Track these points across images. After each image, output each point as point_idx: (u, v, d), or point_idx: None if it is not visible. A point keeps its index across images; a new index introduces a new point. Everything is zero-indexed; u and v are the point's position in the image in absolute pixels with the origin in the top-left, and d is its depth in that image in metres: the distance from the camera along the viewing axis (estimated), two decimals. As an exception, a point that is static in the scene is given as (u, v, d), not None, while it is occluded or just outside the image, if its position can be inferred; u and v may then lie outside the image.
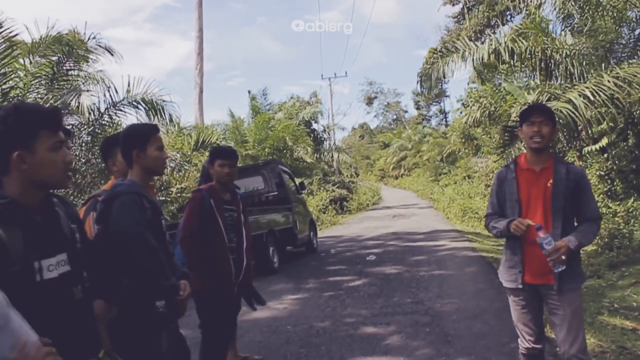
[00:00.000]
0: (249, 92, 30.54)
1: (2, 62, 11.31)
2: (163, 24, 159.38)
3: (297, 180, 15.54)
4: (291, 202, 12.95)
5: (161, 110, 13.29)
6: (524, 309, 3.52)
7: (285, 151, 26.39)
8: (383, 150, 70.99)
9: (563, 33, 13.01)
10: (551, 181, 3.38)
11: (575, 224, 3.45)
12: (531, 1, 13.83)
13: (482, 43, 14.72)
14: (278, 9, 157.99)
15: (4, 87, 11.36)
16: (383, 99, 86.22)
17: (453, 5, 28.55)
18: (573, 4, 11.09)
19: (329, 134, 39.82)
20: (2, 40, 11.22)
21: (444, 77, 13.03)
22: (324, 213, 25.65)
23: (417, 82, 13.79)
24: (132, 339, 2.89)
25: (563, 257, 3.20)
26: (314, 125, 35.13)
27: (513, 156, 4.50)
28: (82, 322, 2.11)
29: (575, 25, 12.46)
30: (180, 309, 3.17)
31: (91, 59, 13.98)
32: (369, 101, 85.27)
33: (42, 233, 2.00)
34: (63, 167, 2.02)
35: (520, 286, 3.47)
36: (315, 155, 31.04)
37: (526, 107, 3.63)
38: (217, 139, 18.84)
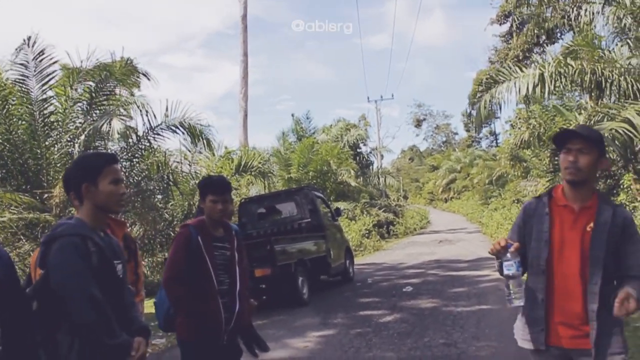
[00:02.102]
0: (293, 115, 30.55)
1: (44, 87, 11.48)
2: (215, 50, 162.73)
3: (336, 205, 15.07)
4: (325, 229, 12.45)
5: (200, 135, 13.18)
6: None
7: (329, 174, 26.09)
8: (432, 173, 70.07)
9: (618, 47, 12.31)
10: (592, 224, 2.72)
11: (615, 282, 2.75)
12: (581, 17, 13.11)
13: (531, 64, 14.14)
14: (326, 34, 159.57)
15: (45, 111, 11.48)
16: (432, 121, 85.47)
17: (500, 24, 27.77)
18: (629, 16, 10.35)
19: (376, 157, 39.33)
20: (46, 66, 11.41)
21: (493, 108, 12.59)
22: (367, 238, 25.02)
23: (467, 111, 13.51)
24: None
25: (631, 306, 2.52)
26: (362, 149, 34.77)
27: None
28: None
29: (632, 38, 11.74)
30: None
31: (130, 84, 14.12)
32: (418, 123, 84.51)
33: None
34: None
35: (542, 347, 2.82)
36: (360, 178, 30.57)
37: (561, 130, 2.95)
38: (259, 162, 18.69)
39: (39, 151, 11.33)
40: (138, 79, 14.32)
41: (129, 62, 13.45)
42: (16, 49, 11.38)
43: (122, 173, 2.80)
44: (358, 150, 33.72)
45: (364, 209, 28.61)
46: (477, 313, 8.57)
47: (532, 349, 2.88)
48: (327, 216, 13.32)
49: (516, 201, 27.10)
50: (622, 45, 12.13)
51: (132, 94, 14.36)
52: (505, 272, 2.73)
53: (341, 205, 23.10)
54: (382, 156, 42.75)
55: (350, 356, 6.57)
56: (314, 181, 24.04)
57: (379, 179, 34.35)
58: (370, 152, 38.00)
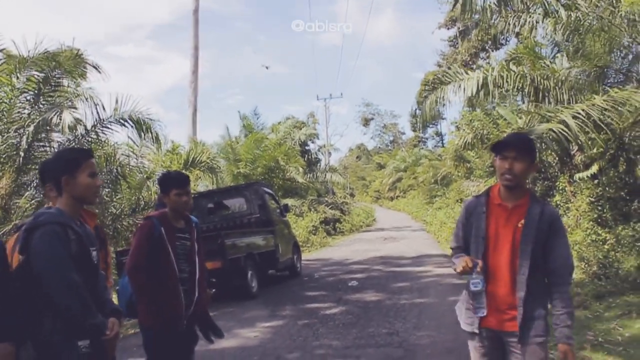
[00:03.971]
0: (239, 112, 30.64)
1: (-12, 76, 11.28)
2: (164, 42, 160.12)
3: (284, 202, 15.31)
4: (274, 224, 12.73)
5: (148, 128, 13.18)
6: (482, 358, 3.24)
7: (277, 171, 26.28)
8: (379, 171, 70.90)
9: (559, 57, 12.97)
10: (523, 221, 3.08)
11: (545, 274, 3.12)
12: (523, 27, 13.75)
13: (477, 68, 14.70)
14: (277, 29, 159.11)
15: (-11, 101, 11.29)
16: (380, 120, 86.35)
17: (448, 29, 28.51)
18: (560, 30, 10.96)
19: (324, 155, 39.76)
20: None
21: (439, 109, 13.03)
22: (314, 234, 25.37)
23: (414, 110, 13.95)
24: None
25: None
26: (310, 146, 35.08)
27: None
28: None
29: (568, 50, 12.39)
30: (110, 349, 2.95)
31: (82, 75, 13.96)
32: (366, 122, 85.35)
33: None
34: None
35: (476, 330, 3.18)
36: (308, 175, 30.88)
37: (498, 141, 3.27)
38: (208, 157, 18.73)
39: (-17, 141, 11.15)
40: (85, 70, 14.16)
41: (78, 53, 13.33)
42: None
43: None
44: (306, 147, 34.00)
45: (311, 205, 28.95)
46: (419, 306, 9.01)
47: (469, 331, 3.24)
48: (276, 212, 13.57)
49: (459, 200, 27.86)
50: (562, 56, 12.78)
51: (78, 85, 14.17)
52: (472, 288, 3.07)
53: (289, 201, 23.38)
54: (330, 154, 43.28)
55: (298, 345, 6.87)
56: (263, 177, 24.19)
57: (326, 176, 34.71)
58: (319, 150, 38.41)
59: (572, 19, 10.75)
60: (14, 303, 2.60)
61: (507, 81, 11.86)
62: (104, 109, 12.58)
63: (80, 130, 12.92)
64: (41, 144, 11.94)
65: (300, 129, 33.63)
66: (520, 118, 15.06)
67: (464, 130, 21.41)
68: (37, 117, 11.55)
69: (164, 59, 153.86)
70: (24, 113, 11.88)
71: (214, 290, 10.64)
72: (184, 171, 16.71)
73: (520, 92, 13.12)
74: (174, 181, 4.19)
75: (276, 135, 29.28)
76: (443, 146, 54.43)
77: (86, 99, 13.29)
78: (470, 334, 3.26)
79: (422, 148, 62.71)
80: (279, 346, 6.86)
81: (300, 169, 27.67)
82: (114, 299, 4.33)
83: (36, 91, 11.99)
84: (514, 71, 11.93)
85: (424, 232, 27.94)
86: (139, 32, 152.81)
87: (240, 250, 10.60)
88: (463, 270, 3.07)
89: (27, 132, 11.41)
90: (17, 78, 11.97)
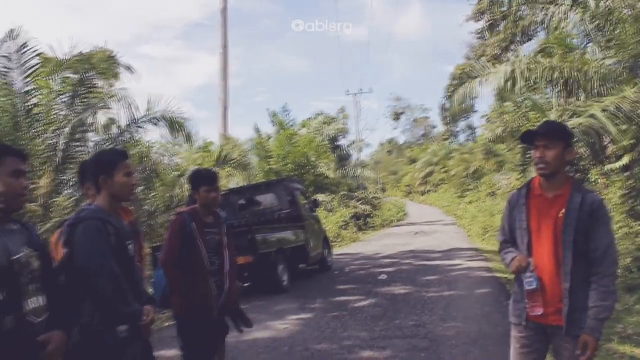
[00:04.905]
0: (268, 109, 30.85)
1: (28, 80, 11.69)
2: (192, 41, 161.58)
3: (314, 197, 15.48)
4: (304, 219, 12.91)
5: (180, 127, 13.51)
6: (523, 349, 3.21)
7: (308, 167, 26.46)
8: (410, 166, 70.56)
9: (591, 47, 12.87)
10: (564, 211, 3.04)
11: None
12: (552, 18, 13.64)
13: (507, 62, 14.64)
14: (305, 26, 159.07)
15: (28, 104, 11.70)
16: (410, 114, 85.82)
17: (477, 21, 28.19)
18: (587, 20, 10.88)
19: (355, 150, 39.85)
20: (29, 59, 11.65)
21: (469, 102, 13.02)
22: (345, 230, 25.51)
23: (444, 104, 13.93)
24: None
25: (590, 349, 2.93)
26: (341, 142, 35.18)
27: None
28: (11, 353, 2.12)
29: (599, 40, 12.28)
30: (146, 334, 3.18)
31: (113, 77, 14.35)
32: (396, 117, 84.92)
33: None
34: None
35: (524, 323, 3.18)
36: (339, 171, 31.02)
37: (524, 132, 3.25)
38: (239, 154, 19.04)
39: (23, 142, 11.54)
40: (118, 71, 14.52)
41: (110, 55, 13.70)
42: (-1, 41, 11.55)
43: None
44: (337, 143, 34.12)
45: (342, 201, 29.05)
46: (447, 298, 9.12)
47: (515, 323, 3.25)
48: (306, 207, 13.75)
49: (491, 194, 27.79)
50: (594, 46, 12.67)
51: (111, 86, 14.54)
52: (527, 287, 3.08)
53: (320, 197, 23.53)
54: (361, 149, 43.32)
55: (327, 336, 7.05)
56: (293, 173, 24.41)
57: (357, 171, 34.78)
58: (350, 145, 38.49)
59: (602, 8, 10.68)
60: (62, 293, 2.82)
61: (536, 73, 11.81)
62: (137, 109, 12.93)
63: (114, 130, 13.33)
64: (78, 144, 12.31)
65: (330, 124, 33.74)
66: (551, 112, 14.99)
67: (494, 123, 21.37)
68: (73, 118, 11.94)
69: (193, 58, 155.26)
70: (61, 114, 12.26)
71: (246, 284, 10.91)
72: (215, 168, 17.11)
73: (550, 85, 13.03)
74: (203, 179, 4.44)
75: (307, 132, 29.46)
76: (475, 140, 54.04)
77: (120, 100, 13.70)
78: (516, 326, 3.25)
79: (454, 142, 62.30)
80: (308, 337, 7.04)
81: (332, 165, 27.80)
82: (149, 290, 4.54)
83: (72, 93, 12.36)
84: (543, 63, 11.89)
85: (456, 226, 27.87)
86: (168, 32, 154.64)
87: (271, 245, 10.81)
88: (517, 270, 3.11)
89: (64, 133, 11.79)
90: (54, 81, 12.41)
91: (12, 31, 11.39)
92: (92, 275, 2.91)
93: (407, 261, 14.63)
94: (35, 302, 2.55)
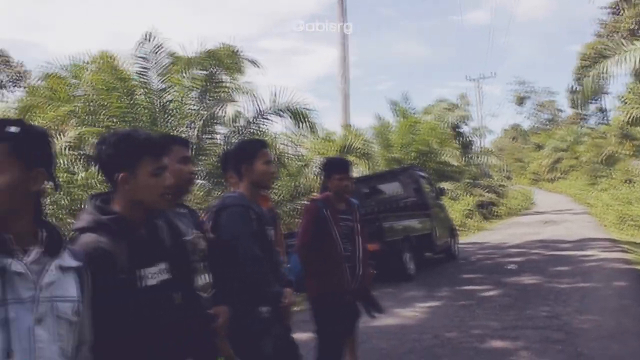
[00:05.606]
0: (388, 98, 30.68)
1: (163, 78, 12.48)
2: (312, 33, 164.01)
3: (438, 185, 15.30)
4: (429, 207, 12.80)
5: (304, 118, 13.83)
6: None
7: (431, 155, 26.15)
8: (536, 152, 67.54)
9: None
10: None
11: None
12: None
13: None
14: (422, 12, 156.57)
15: (163, 100, 12.49)
16: (535, 98, 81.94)
17: (608, -5, 26.37)
18: None
19: (478, 137, 38.77)
20: (162, 58, 12.44)
21: (601, 83, 12.32)
22: (470, 218, 24.99)
23: (572, 87, 13.29)
24: (236, 343, 3.07)
25: None
26: (462, 128, 34.44)
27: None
28: (181, 326, 2.27)
29: None
30: (285, 315, 3.33)
31: (239, 71, 14.93)
32: (520, 101, 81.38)
33: (145, 245, 2.20)
34: (160, 191, 2.21)
35: None
36: (462, 158, 30.42)
37: None
38: (362, 143, 19.16)
39: (159, 136, 12.30)
40: (242, 66, 15.04)
41: (236, 50, 14.23)
42: (137, 43, 12.33)
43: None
44: (459, 130, 33.43)
45: (466, 189, 28.49)
46: (581, 290, 8.71)
47: None
48: (431, 195, 13.63)
49: (627, 181, 26.09)
50: None
51: (234, 80, 15.08)
52: None
53: (443, 185, 23.22)
54: (483, 136, 42.08)
55: (455, 324, 6.99)
56: (416, 161, 24.21)
57: (480, 159, 33.89)
58: (472, 132, 37.55)
59: None
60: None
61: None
62: (262, 101, 13.40)
63: (241, 122, 13.89)
64: (208, 136, 12.98)
65: (452, 111, 33.09)
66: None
67: (631, 104, 19.98)
68: (204, 112, 12.58)
69: (312, 49, 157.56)
70: (193, 109, 12.96)
71: (374, 271, 11.02)
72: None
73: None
74: (336, 166, 4.55)
75: (429, 119, 29.08)
76: (607, 123, 50.78)
77: (245, 93, 14.24)
78: None
79: (584, 126, 58.85)
80: (437, 325, 7.02)
81: (455, 152, 27.29)
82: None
83: (202, 88, 13.02)
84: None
85: (587, 215, 26.43)
86: (287, 25, 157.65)
87: (397, 233, 10.83)
88: None
89: (197, 126, 12.47)
90: (185, 77, 13.14)
91: (148, 33, 12.18)
92: (238, 255, 3.09)
93: (536, 251, 14.10)
94: (203, 279, 2.78)
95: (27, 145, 1.68)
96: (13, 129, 1.67)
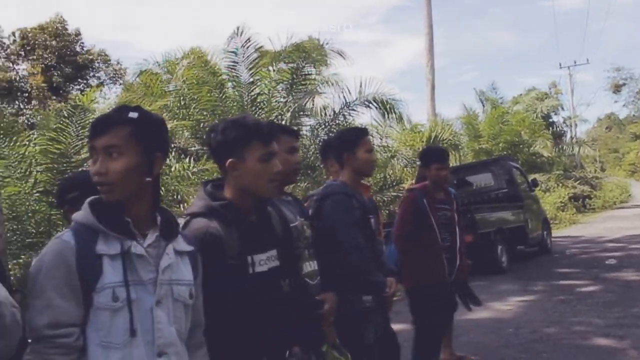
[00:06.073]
0: (475, 89, 30.00)
1: (252, 71, 12.70)
2: (394, 24, 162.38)
3: (530, 177, 14.83)
4: (522, 199, 12.40)
5: (391, 109, 13.73)
6: None
7: (521, 146, 25.43)
8: (634, 142, 64.20)
9: None
10: None
11: None
12: None
13: None
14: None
15: (252, 93, 12.72)
16: (633, 85, 77.51)
17: None
18: None
19: (570, 126, 37.32)
20: (251, 52, 12.67)
21: None
22: (563, 211, 24.10)
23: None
24: (339, 330, 3.07)
25: None
26: (553, 118, 33.28)
27: None
28: (289, 313, 2.28)
29: None
30: (387, 305, 3.31)
31: (326, 63, 15.00)
32: (616, 89, 77.22)
33: (255, 232, 2.22)
34: (268, 178, 2.21)
35: None
36: (554, 149, 29.36)
37: None
38: (450, 134, 18.83)
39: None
40: (327, 58, 15.05)
41: (322, 43, 14.27)
42: (228, 38, 12.59)
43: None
44: (550, 120, 32.31)
45: (558, 180, 27.52)
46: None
47: None
48: (524, 187, 13.23)
49: None
50: None
51: (319, 73, 15.11)
52: None
53: (534, 176, 22.51)
54: (576, 125, 40.40)
55: (554, 320, 6.73)
56: (505, 152, 23.59)
57: (573, 149, 32.59)
58: (564, 122, 36.19)
59: None
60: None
61: None
62: (349, 92, 13.38)
63: (328, 113, 13.93)
64: (296, 128, 13.08)
65: (543, 100, 31.96)
66: None
67: None
68: (292, 104, 12.71)
69: (396, 41, 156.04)
70: (281, 101, 13.11)
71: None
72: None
73: None
74: (435, 156, 4.48)
75: (519, 109, 28.24)
76: None
77: (331, 85, 14.27)
78: None
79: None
80: (534, 320, 6.79)
81: (548, 143, 26.38)
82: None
83: (289, 81, 13.15)
84: None
85: (693, 209, 24.91)
86: (371, 17, 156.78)
87: (490, 225, 10.58)
88: None
89: (285, 118, 12.61)
90: (273, 70, 13.32)
91: (238, 28, 12.42)
92: (341, 243, 3.08)
93: (636, 246, 13.37)
94: (309, 266, 2.79)
95: (146, 130, 1.73)
96: (133, 114, 1.72)
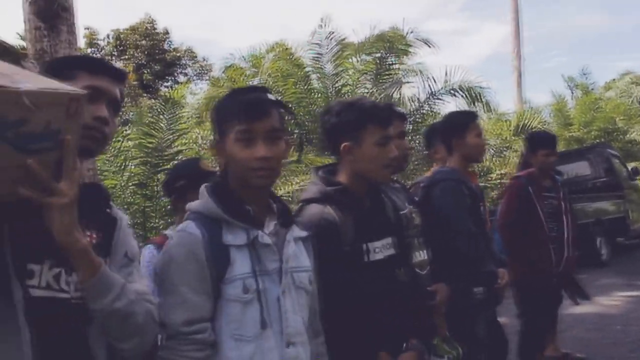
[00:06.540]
0: (563, 75, 28.74)
1: (336, 62, 12.70)
2: (477, 11, 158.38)
3: (630, 165, 14.04)
4: (622, 189, 11.80)
5: (479, 97, 13.39)
6: None
7: (615, 133, 24.22)
8: None
9: None
10: None
11: None
12: None
13: None
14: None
15: (337, 84, 12.71)
16: None
17: None
18: None
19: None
20: (335, 44, 12.67)
21: None
22: (665, 202, 22.74)
23: None
24: (450, 322, 2.95)
25: None
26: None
27: None
28: (404, 303, 2.18)
29: None
30: (498, 297, 3.16)
31: (410, 52, 14.76)
32: None
33: (370, 218, 2.14)
34: (385, 162, 2.12)
35: None
36: (654, 137, 27.78)
37: None
38: (539, 122, 18.16)
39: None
40: (410, 47, 14.79)
41: (406, 33, 14.05)
42: (312, 32, 12.66)
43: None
44: (647, 105, 30.56)
45: (658, 170, 26.01)
46: None
47: None
48: (624, 176, 12.56)
49: None
50: None
51: (401, 63, 14.87)
52: None
53: (634, 165, 21.36)
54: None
55: (667, 319, 6.34)
56: (598, 140, 22.52)
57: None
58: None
59: None
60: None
61: None
62: (434, 81, 13.14)
63: (414, 103, 13.72)
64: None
65: (639, 84, 30.27)
66: None
67: None
68: (378, 94, 12.58)
69: (478, 28, 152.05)
70: (366, 91, 13.01)
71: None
72: (513, 137, 16.57)
73: None
74: (542, 141, 4.27)
75: (611, 95, 26.88)
76: None
77: (417, 74, 14.03)
78: None
79: None
80: (643, 317, 6.42)
81: (647, 130, 24.97)
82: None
83: (374, 71, 13.03)
84: None
85: None
86: (452, 5, 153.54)
87: (588, 215, 10.12)
88: None
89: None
90: (357, 61, 13.25)
91: (322, 20, 12.46)
92: (452, 232, 2.96)
93: None
94: (420, 255, 2.68)
95: (283, 114, 1.72)
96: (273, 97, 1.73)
